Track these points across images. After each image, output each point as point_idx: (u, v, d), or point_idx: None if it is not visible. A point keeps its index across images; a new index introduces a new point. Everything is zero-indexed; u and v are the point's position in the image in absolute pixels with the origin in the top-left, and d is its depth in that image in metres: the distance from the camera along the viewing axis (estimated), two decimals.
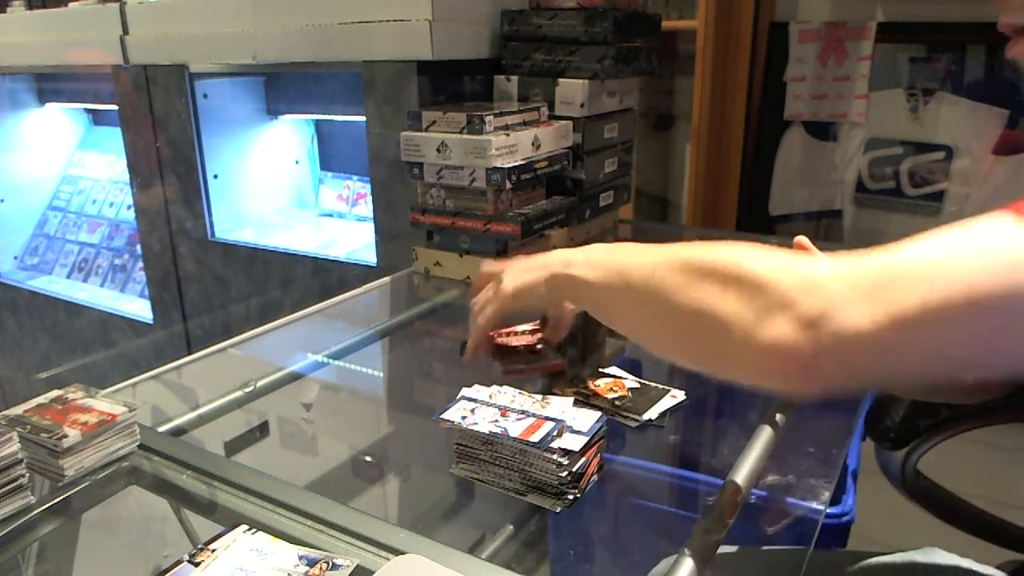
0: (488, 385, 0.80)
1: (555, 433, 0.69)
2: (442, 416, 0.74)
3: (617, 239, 1.62)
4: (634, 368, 0.96)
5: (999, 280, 0.42)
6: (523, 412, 0.73)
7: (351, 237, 1.82)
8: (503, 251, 1.23)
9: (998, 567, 0.81)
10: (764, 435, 0.71)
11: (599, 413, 0.75)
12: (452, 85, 1.37)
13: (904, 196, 1.72)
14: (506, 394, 0.78)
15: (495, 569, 0.55)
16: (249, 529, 0.58)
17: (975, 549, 0.84)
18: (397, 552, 0.56)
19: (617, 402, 0.86)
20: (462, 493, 0.98)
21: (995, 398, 0.69)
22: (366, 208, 1.91)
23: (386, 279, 1.33)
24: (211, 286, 1.81)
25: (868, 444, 0.95)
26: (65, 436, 0.65)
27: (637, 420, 0.84)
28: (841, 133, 1.78)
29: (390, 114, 1.36)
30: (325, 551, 0.56)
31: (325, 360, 1.03)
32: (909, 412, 0.80)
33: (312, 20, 1.37)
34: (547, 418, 0.72)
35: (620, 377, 0.93)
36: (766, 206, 1.87)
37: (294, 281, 1.66)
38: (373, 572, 0.54)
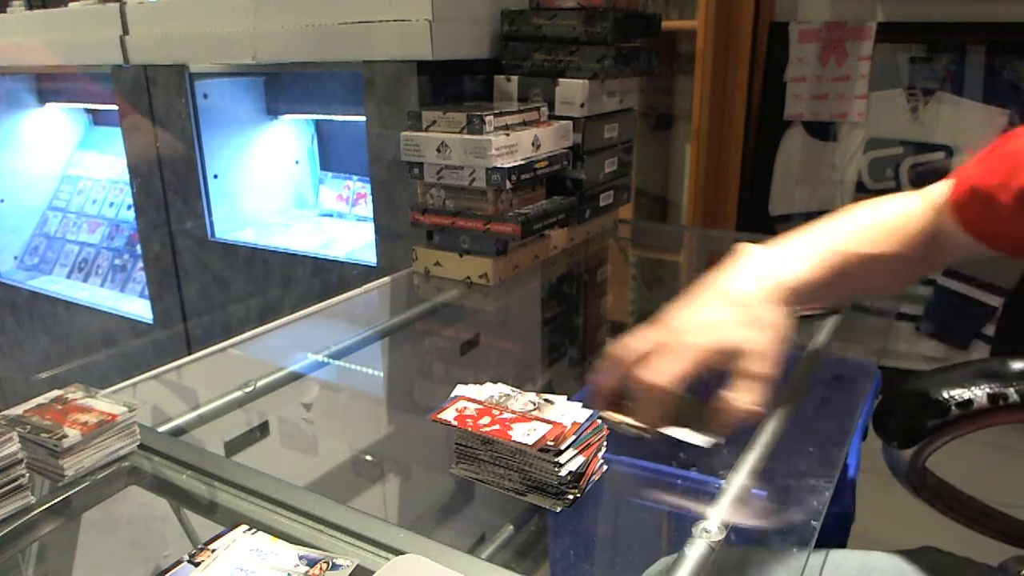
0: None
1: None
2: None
3: (617, 239, 1.62)
4: None
5: None
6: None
7: (351, 237, 1.82)
8: (503, 251, 1.23)
9: (999, 565, 0.81)
10: (764, 435, 0.72)
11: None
12: (452, 85, 1.37)
13: None
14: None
15: (495, 569, 0.55)
16: (249, 529, 0.58)
17: (974, 548, 0.84)
18: (397, 552, 0.56)
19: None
20: (462, 493, 0.98)
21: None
22: (366, 208, 1.91)
23: (386, 279, 1.33)
24: (211, 286, 1.81)
25: (868, 444, 0.95)
26: (65, 436, 0.65)
27: None
28: (841, 133, 1.78)
29: (390, 114, 1.36)
30: (325, 551, 0.56)
31: (325, 360, 1.03)
32: (917, 411, 0.79)
33: (312, 20, 1.37)
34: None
35: None
36: (766, 206, 1.87)
37: (294, 281, 1.66)
38: (373, 572, 0.54)
